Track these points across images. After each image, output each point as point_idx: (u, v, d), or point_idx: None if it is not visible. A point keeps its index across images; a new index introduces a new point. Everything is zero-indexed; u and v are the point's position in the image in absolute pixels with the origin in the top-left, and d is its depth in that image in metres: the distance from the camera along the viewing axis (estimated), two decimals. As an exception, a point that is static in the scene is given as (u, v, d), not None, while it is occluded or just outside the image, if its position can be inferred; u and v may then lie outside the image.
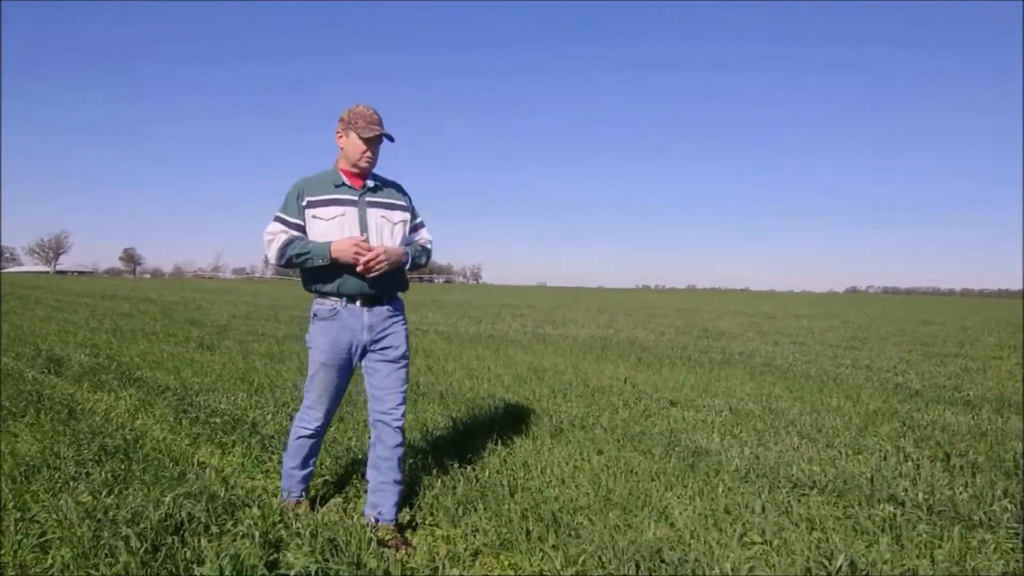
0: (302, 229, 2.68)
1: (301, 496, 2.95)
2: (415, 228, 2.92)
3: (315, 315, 2.75)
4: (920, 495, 3.19)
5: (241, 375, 5.99)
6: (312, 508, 2.94)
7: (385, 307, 2.77)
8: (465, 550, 2.61)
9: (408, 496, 3.07)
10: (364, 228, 2.68)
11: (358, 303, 2.71)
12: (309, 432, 2.82)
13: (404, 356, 2.83)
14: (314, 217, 2.66)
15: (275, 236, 2.66)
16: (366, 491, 2.84)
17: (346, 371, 2.78)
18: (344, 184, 2.72)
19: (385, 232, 2.73)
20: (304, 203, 2.68)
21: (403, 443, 2.82)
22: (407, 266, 2.79)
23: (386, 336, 2.77)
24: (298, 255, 2.61)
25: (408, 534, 2.79)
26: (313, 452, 2.91)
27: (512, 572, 2.48)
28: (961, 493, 3.24)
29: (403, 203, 2.84)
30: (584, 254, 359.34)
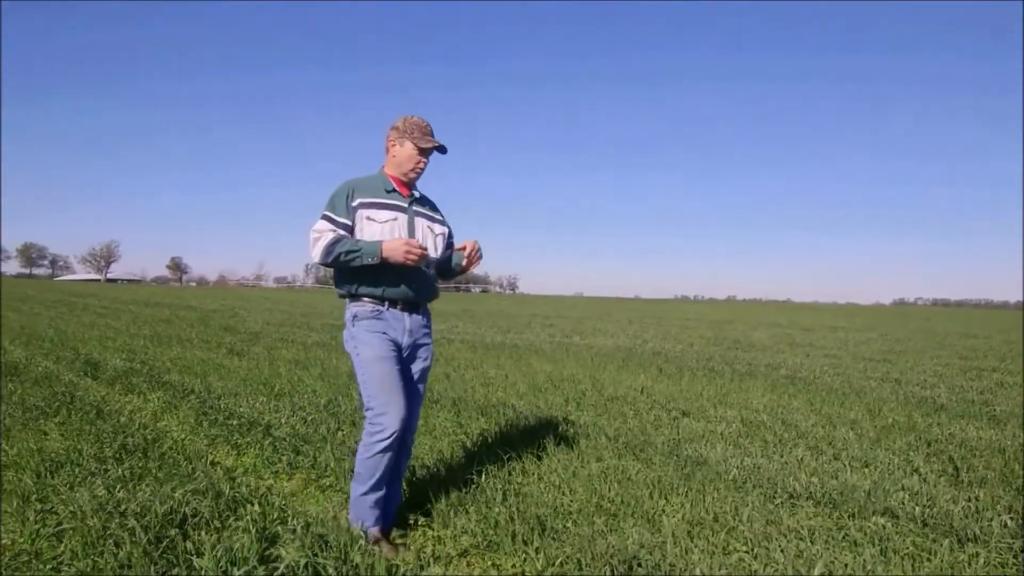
0: (349, 230, 2.67)
1: (376, 524, 2.69)
2: (448, 245, 2.96)
3: (355, 316, 2.71)
4: (917, 508, 3.16)
5: (264, 380, 6.20)
6: (387, 539, 2.72)
7: (422, 315, 2.82)
8: (453, 550, 2.69)
9: (407, 497, 3.17)
10: (412, 234, 2.74)
11: (399, 307, 2.72)
12: (387, 442, 2.55)
13: (428, 369, 2.88)
14: (368, 219, 2.67)
15: (322, 234, 2.62)
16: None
17: (398, 366, 2.68)
18: (394, 190, 2.77)
19: (429, 242, 2.79)
20: (356, 203, 2.68)
21: (409, 456, 2.90)
22: (456, 271, 2.93)
23: (420, 347, 2.81)
24: (347, 252, 2.57)
25: (400, 533, 2.88)
26: (389, 471, 2.64)
27: (495, 572, 2.55)
28: (960, 507, 3.20)
29: (441, 218, 2.94)
30: (623, 265, 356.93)
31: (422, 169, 2.80)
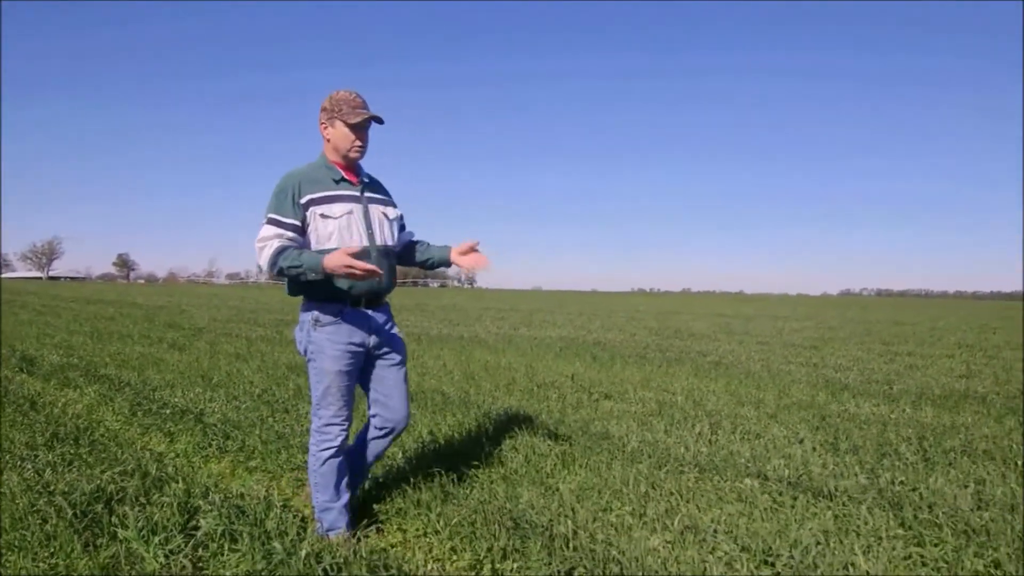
0: (298, 229, 2.47)
1: (349, 529, 2.65)
2: (402, 227, 2.86)
3: (316, 321, 2.53)
4: (788, 472, 3.55)
5: (202, 373, 6.33)
6: (354, 532, 2.67)
7: (384, 309, 2.72)
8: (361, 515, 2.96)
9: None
10: (369, 226, 2.58)
11: (362, 304, 2.59)
12: (334, 449, 2.58)
13: (405, 359, 2.81)
14: (322, 216, 2.48)
15: (267, 242, 2.42)
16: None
17: (357, 375, 2.66)
18: (344, 179, 2.59)
19: (386, 229, 2.66)
20: (305, 199, 2.48)
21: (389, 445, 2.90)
22: (418, 261, 2.85)
23: (390, 340, 2.71)
24: (290, 267, 2.37)
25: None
26: (344, 473, 2.64)
27: (400, 535, 2.82)
28: (829, 471, 3.60)
29: (392, 200, 2.78)
30: (581, 259, 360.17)
31: (361, 147, 2.58)
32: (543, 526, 2.74)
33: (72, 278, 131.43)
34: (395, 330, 2.77)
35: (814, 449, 4.06)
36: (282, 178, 2.52)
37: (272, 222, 2.45)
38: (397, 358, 2.73)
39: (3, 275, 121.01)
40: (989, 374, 8.20)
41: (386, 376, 2.70)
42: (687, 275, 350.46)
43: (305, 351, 2.60)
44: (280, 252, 2.39)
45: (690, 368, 8.00)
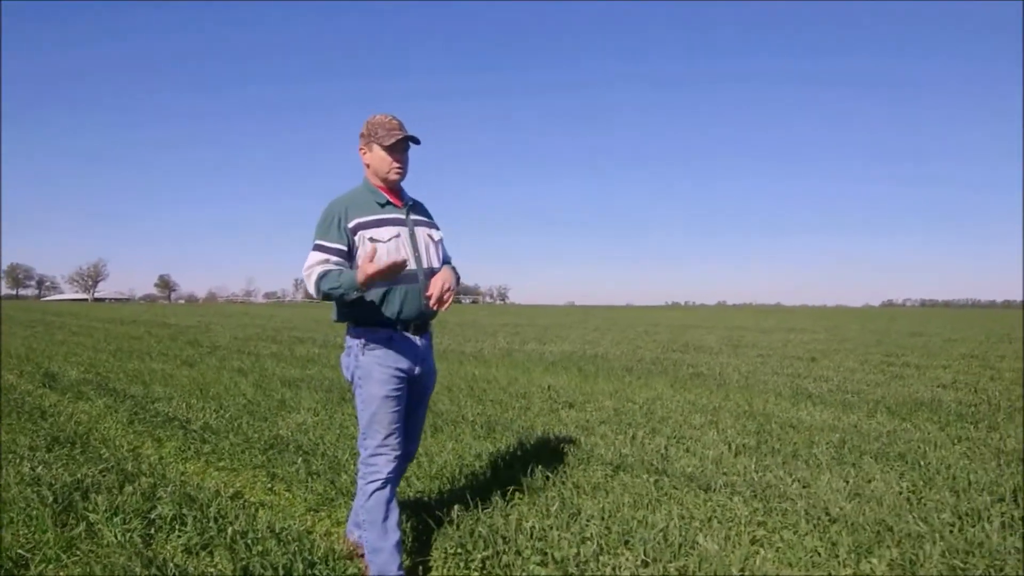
0: (344, 254, 2.48)
1: (400, 572, 2.47)
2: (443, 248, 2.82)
3: (365, 344, 2.51)
4: (691, 469, 3.92)
5: (202, 386, 6.91)
6: None
7: (427, 336, 2.67)
8: (300, 509, 3.43)
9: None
10: (415, 248, 2.55)
11: (411, 329, 2.55)
12: (380, 481, 2.47)
13: (432, 388, 2.78)
14: (371, 239, 2.47)
15: (312, 270, 2.43)
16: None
17: (404, 403, 2.57)
18: (388, 203, 2.57)
19: (432, 252, 2.62)
20: (352, 224, 2.48)
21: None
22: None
23: (429, 369, 2.67)
24: (331, 289, 2.36)
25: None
26: (391, 511, 2.49)
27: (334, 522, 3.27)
28: (738, 468, 3.95)
29: (434, 222, 2.77)
30: (617, 273, 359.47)
31: (401, 169, 2.56)
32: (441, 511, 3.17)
33: (116, 299, 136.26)
34: (432, 361, 2.72)
35: (733, 450, 4.41)
36: (328, 205, 2.55)
37: (318, 248, 2.48)
38: (428, 391, 2.72)
39: (51, 297, 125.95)
40: (972, 384, 8.32)
41: (416, 409, 2.67)
42: (722, 288, 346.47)
43: (352, 376, 2.56)
44: (321, 277, 2.40)
45: (668, 380, 8.33)
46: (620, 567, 2.55)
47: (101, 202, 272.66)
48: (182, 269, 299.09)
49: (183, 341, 13.95)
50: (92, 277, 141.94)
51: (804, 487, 3.64)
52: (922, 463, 4.14)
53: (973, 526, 3.03)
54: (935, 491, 3.56)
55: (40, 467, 3.79)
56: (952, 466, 4.06)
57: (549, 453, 4.22)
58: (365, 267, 2.24)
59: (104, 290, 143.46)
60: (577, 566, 2.57)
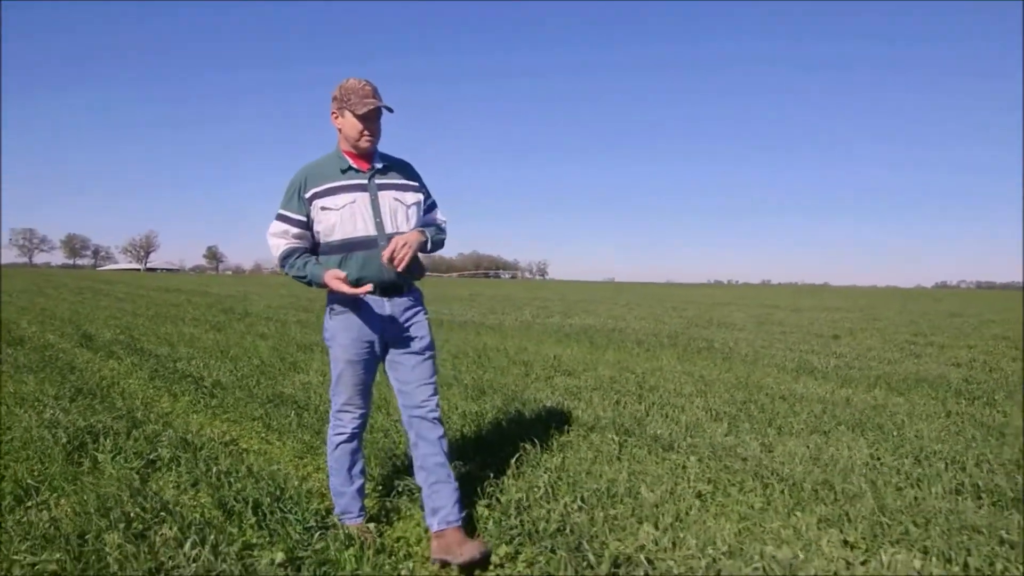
0: (305, 225, 2.53)
1: (361, 514, 2.67)
2: (428, 209, 2.77)
3: (331, 309, 2.59)
4: (661, 432, 4.08)
5: (223, 348, 7.32)
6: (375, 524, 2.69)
7: (406, 297, 2.64)
8: (287, 456, 3.72)
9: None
10: (377, 213, 2.52)
11: (377, 292, 2.53)
12: (346, 435, 2.62)
13: (430, 347, 2.70)
14: (323, 209, 2.49)
15: (276, 242, 2.53)
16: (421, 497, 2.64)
17: (372, 366, 2.63)
18: (351, 168, 2.55)
19: (400, 216, 2.58)
20: (309, 194, 2.51)
21: (444, 434, 2.65)
22: (428, 249, 2.64)
23: (410, 327, 2.63)
24: (296, 277, 2.50)
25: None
26: (356, 461, 2.66)
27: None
28: (712, 431, 4.10)
29: (415, 183, 2.70)
30: (659, 250, 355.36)
31: (371, 137, 2.53)
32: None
33: (167, 269, 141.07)
34: (419, 318, 2.67)
35: (711, 417, 4.54)
36: (296, 172, 2.57)
37: (280, 218, 2.54)
38: (417, 345, 2.64)
39: (106, 267, 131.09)
40: (990, 364, 8.21)
41: (403, 362, 2.62)
42: (768, 266, 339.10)
43: (326, 337, 2.68)
44: (286, 257, 2.51)
45: (676, 352, 8.43)
46: (555, 510, 2.74)
47: (155, 174, 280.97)
48: (231, 240, 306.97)
49: (218, 309, 14.57)
50: (144, 248, 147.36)
51: (768, 451, 3.77)
52: (896, 434, 4.22)
53: (915, 488, 3.14)
54: (897, 459, 3.65)
55: (60, 413, 4.17)
56: (924, 437, 4.13)
57: (529, 414, 4.43)
58: (331, 280, 2.37)
59: (155, 260, 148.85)
60: (519, 510, 2.78)
